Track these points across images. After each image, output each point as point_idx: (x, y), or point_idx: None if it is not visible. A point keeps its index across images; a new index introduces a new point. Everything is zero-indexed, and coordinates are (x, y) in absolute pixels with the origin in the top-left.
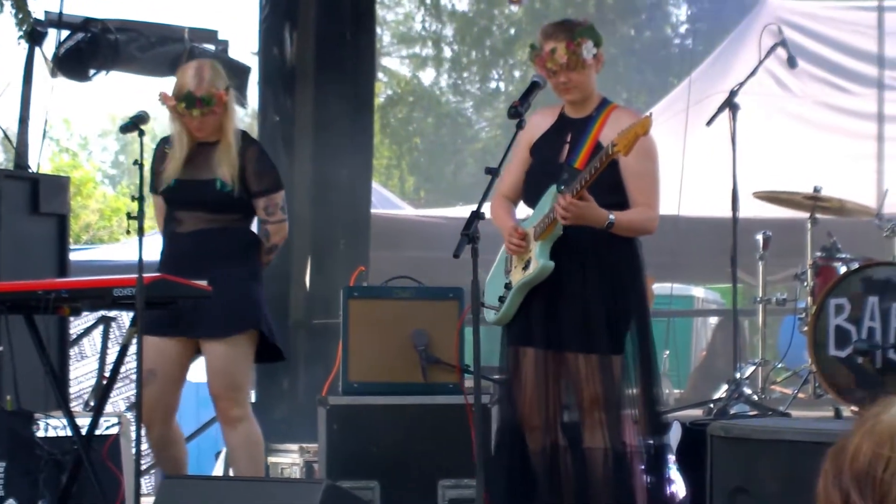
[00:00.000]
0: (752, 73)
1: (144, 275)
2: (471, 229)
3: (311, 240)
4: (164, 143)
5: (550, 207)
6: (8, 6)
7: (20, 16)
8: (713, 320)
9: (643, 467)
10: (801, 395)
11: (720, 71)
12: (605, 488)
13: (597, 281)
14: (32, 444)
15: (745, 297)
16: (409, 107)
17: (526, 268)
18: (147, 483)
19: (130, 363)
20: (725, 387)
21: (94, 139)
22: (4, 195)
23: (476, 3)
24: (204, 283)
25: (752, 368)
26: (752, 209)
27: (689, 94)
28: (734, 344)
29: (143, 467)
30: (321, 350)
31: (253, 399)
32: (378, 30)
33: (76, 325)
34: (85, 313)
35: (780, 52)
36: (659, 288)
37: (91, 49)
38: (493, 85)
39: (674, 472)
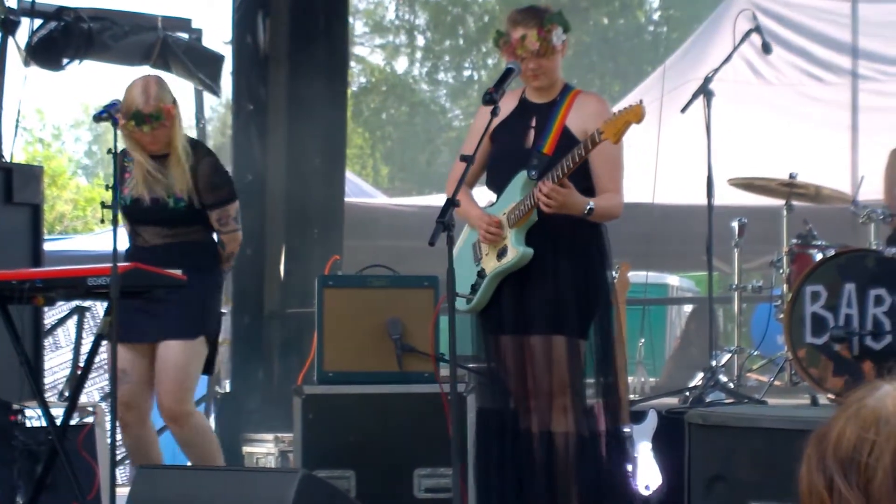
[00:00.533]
0: (727, 59)
1: (118, 264)
2: (446, 217)
3: (285, 228)
4: (124, 155)
5: (524, 194)
6: None
7: None
8: (688, 308)
9: (605, 455)
10: (777, 383)
11: (695, 58)
12: (570, 473)
13: (568, 265)
14: (9, 434)
15: (720, 284)
16: (383, 95)
17: (501, 256)
18: (122, 473)
19: (104, 353)
20: (701, 375)
21: (67, 129)
22: None
23: None
24: (178, 272)
25: (727, 356)
26: (727, 197)
27: (663, 82)
28: (710, 332)
29: (118, 457)
30: (295, 339)
31: (228, 389)
32: (350, 19)
33: (50, 315)
34: (59, 303)
35: (755, 38)
36: (634, 276)
37: (64, 38)
38: (466, 73)
39: (648, 460)
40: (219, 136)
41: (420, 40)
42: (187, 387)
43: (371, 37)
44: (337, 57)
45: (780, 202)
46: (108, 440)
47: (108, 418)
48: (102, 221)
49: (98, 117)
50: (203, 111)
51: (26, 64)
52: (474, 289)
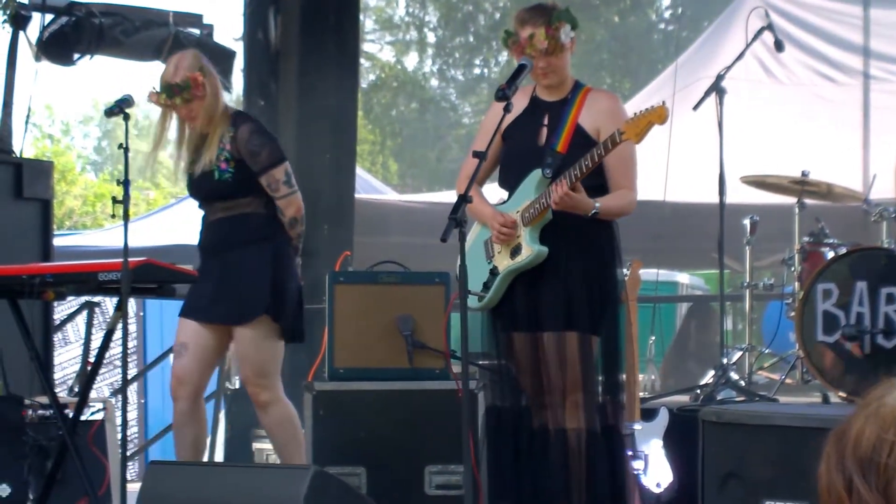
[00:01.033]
0: (740, 57)
1: (129, 259)
2: (458, 213)
3: None
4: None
5: (538, 193)
6: None
7: (4, 0)
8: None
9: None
10: (788, 381)
11: (706, 56)
12: (581, 469)
13: (580, 262)
14: (22, 429)
15: (729, 282)
16: (393, 92)
17: (515, 254)
18: (132, 469)
19: (114, 349)
20: (712, 372)
21: (76, 125)
22: None
23: None
24: (189, 266)
25: (738, 354)
26: (738, 195)
27: (675, 80)
28: (721, 330)
29: (128, 453)
30: (306, 335)
31: (238, 385)
32: (360, 16)
33: (60, 310)
34: (69, 299)
35: (767, 36)
36: (644, 273)
37: (75, 33)
38: (477, 70)
39: (660, 458)
40: None
41: (431, 37)
42: (266, 372)
43: (381, 33)
44: (347, 53)
45: (791, 200)
46: (119, 436)
47: (118, 413)
48: (114, 216)
49: (110, 112)
50: None
51: (37, 59)
52: (486, 286)
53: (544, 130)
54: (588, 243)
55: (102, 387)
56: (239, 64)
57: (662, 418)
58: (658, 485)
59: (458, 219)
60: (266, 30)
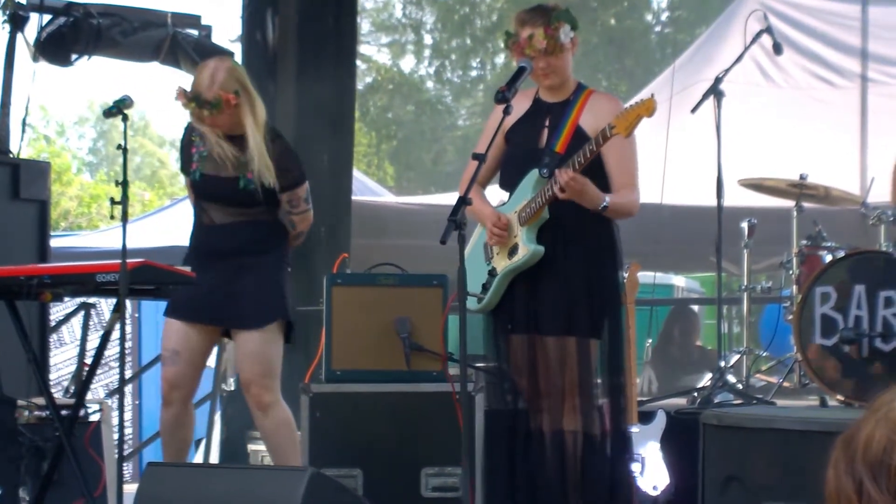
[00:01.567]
0: (738, 60)
1: (128, 260)
2: (457, 215)
3: None
4: (190, 132)
5: (535, 192)
6: None
7: (2, 1)
8: (695, 309)
9: (611, 454)
10: (786, 384)
11: (704, 59)
12: (578, 472)
13: (579, 264)
14: (15, 431)
15: (725, 286)
16: (389, 94)
17: (512, 254)
18: (127, 470)
19: (110, 350)
20: (709, 375)
21: (71, 126)
22: None
23: None
24: (188, 269)
25: (736, 357)
26: (736, 198)
27: (672, 83)
28: (718, 333)
29: (125, 453)
30: (302, 337)
31: (233, 386)
32: (357, 18)
33: (55, 311)
34: (65, 300)
35: (766, 39)
36: (641, 276)
37: (73, 34)
38: (473, 73)
39: (657, 461)
40: None
41: (427, 39)
42: (271, 374)
43: (377, 35)
44: (345, 55)
45: (789, 203)
46: (115, 437)
47: (114, 415)
48: (112, 217)
49: (108, 112)
50: None
51: (35, 59)
52: (485, 288)
53: (546, 132)
54: (588, 246)
55: (97, 388)
56: None
57: (660, 421)
58: (655, 487)
59: (458, 221)
60: (264, 31)
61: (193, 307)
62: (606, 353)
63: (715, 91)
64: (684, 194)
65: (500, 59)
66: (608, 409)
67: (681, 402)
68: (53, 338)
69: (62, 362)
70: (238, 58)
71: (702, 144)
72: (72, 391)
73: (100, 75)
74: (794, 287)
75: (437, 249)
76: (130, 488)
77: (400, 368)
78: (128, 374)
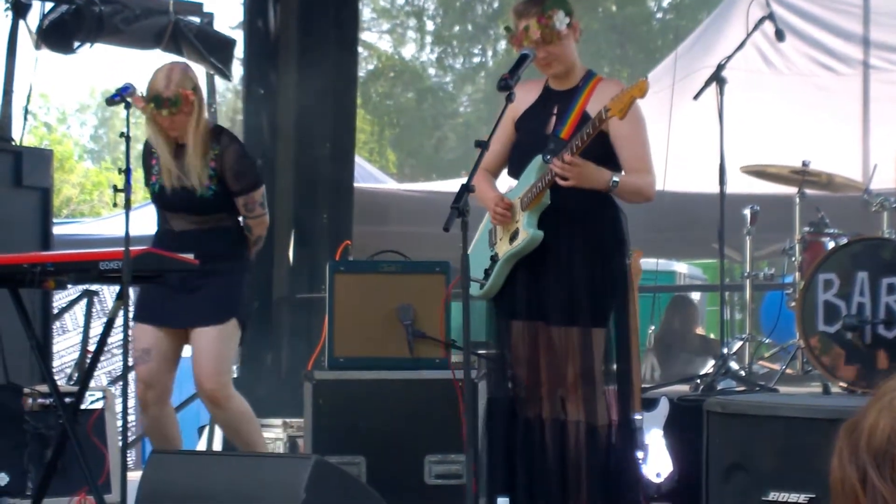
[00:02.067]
0: (741, 46)
1: (131, 248)
2: (461, 202)
3: (294, 214)
4: (150, 146)
5: (537, 177)
6: None
7: None
8: (696, 296)
9: (615, 443)
10: (788, 371)
11: (706, 46)
12: (580, 461)
13: (583, 251)
14: (21, 417)
15: (728, 272)
16: (391, 81)
17: (513, 239)
18: (130, 457)
19: (113, 337)
20: (711, 362)
21: (73, 114)
22: None
23: None
24: (190, 256)
25: (738, 344)
26: (738, 185)
27: (674, 70)
28: (720, 319)
29: (129, 440)
30: (304, 324)
31: (236, 374)
32: (358, 5)
33: (58, 299)
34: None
35: (767, 25)
36: (643, 263)
37: (75, 21)
38: (475, 59)
39: (660, 448)
40: (225, 122)
41: (429, 26)
42: (225, 369)
43: (379, 22)
44: (347, 42)
45: (792, 190)
46: (119, 425)
47: (118, 402)
48: (115, 205)
49: (111, 100)
50: (214, 95)
51: (37, 47)
52: (487, 273)
53: (554, 119)
54: (592, 234)
55: (100, 375)
56: (238, 52)
57: (663, 408)
58: (658, 475)
59: (461, 208)
60: (266, 18)
61: (159, 312)
62: (612, 340)
63: (717, 78)
64: (687, 181)
65: (502, 45)
66: (614, 396)
67: (684, 388)
68: (56, 325)
69: (65, 350)
70: (240, 45)
71: (704, 131)
72: (75, 378)
73: (101, 62)
74: (797, 274)
75: (440, 236)
76: (134, 476)
77: (403, 356)
78: (130, 361)
